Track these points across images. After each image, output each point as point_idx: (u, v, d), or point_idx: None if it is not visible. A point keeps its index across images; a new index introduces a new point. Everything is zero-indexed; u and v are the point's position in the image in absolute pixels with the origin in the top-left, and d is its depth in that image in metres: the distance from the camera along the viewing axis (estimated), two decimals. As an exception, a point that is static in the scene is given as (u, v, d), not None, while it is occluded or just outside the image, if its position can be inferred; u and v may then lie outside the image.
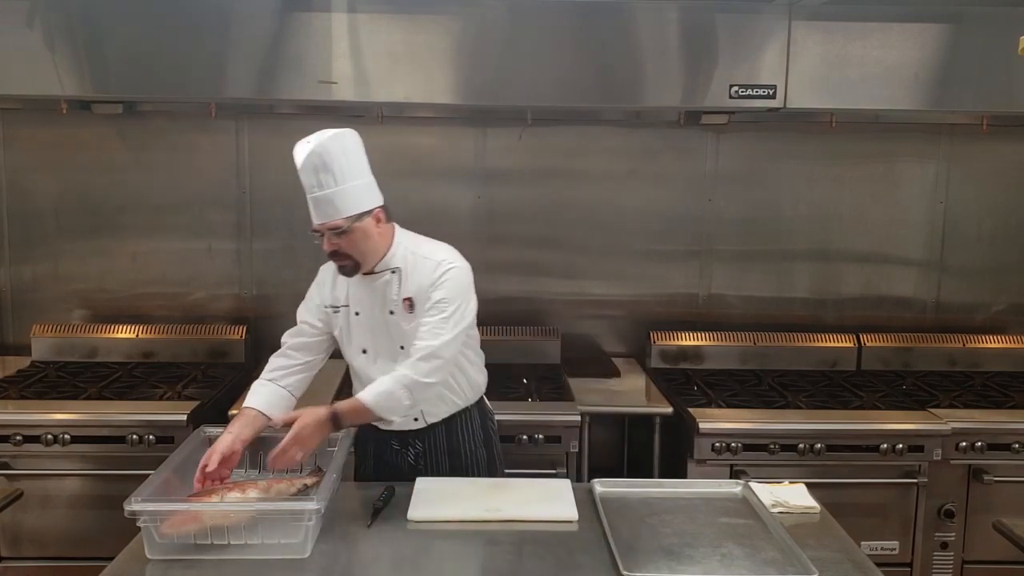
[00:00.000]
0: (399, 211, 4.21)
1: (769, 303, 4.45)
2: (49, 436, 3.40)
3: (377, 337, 2.82)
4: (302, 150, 2.63)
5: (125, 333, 4.25)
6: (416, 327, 2.71)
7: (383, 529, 2.48)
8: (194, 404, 3.54)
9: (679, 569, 2.25)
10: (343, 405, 2.65)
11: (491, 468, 2.98)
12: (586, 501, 2.65)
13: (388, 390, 2.62)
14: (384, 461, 2.94)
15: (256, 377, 3.86)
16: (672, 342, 4.34)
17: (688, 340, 4.34)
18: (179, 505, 2.33)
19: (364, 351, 2.86)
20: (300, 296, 4.30)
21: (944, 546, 3.61)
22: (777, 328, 4.39)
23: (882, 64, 3.47)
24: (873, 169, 4.39)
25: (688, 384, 4.05)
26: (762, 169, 4.37)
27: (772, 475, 3.39)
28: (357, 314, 2.83)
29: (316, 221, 2.69)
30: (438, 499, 2.63)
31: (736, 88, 3.39)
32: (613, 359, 4.30)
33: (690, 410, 3.59)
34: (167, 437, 3.41)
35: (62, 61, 3.49)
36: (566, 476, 3.53)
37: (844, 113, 3.99)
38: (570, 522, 2.54)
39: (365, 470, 3.00)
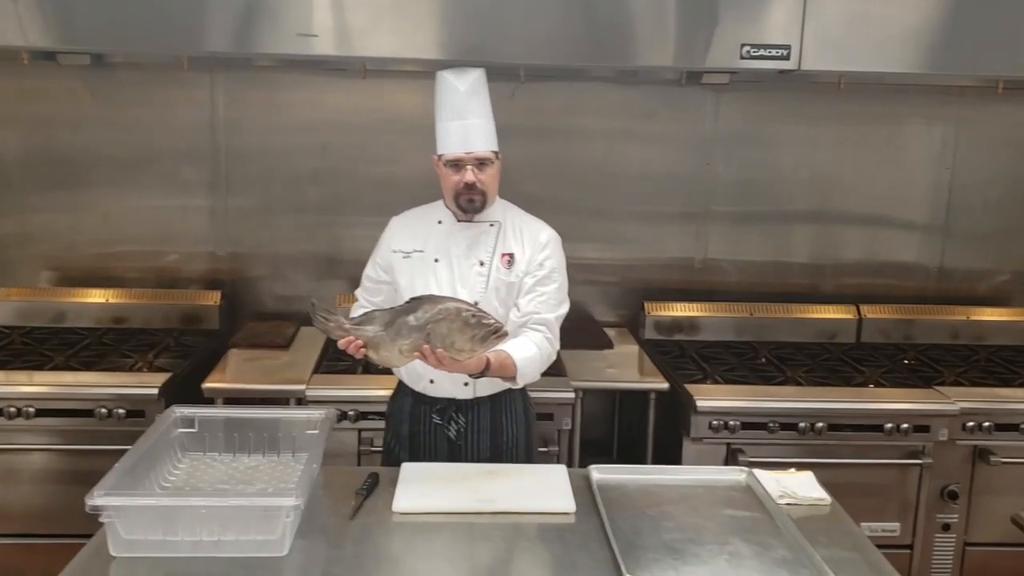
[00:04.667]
0: (391, 172, 4.07)
1: (766, 269, 4.30)
2: (12, 409, 3.22)
3: (453, 287, 2.73)
4: (461, 75, 2.73)
5: (94, 297, 4.05)
6: (505, 285, 2.72)
7: (367, 522, 2.32)
8: (166, 376, 3.36)
9: (684, 571, 2.10)
10: (494, 359, 2.55)
11: (529, 455, 2.88)
12: (582, 488, 2.50)
13: (533, 357, 2.64)
14: (419, 440, 2.82)
15: (231, 346, 3.76)
16: (666, 312, 4.18)
17: (683, 311, 4.19)
18: (148, 500, 2.15)
19: None
20: (277, 256, 4.20)
21: (946, 528, 3.51)
22: (774, 298, 4.25)
23: (903, 24, 3.25)
24: (878, 131, 4.21)
25: (683, 357, 3.90)
26: (763, 130, 4.19)
27: (770, 454, 3.31)
28: (436, 260, 2.76)
29: (464, 149, 2.70)
30: (426, 487, 2.46)
31: (748, 48, 3.16)
32: (605, 329, 4.15)
33: (687, 386, 3.45)
34: (137, 411, 3.24)
35: (24, 9, 3.23)
36: (557, 452, 3.41)
37: (859, 76, 3.79)
38: (567, 514, 2.38)
39: (398, 449, 2.85)
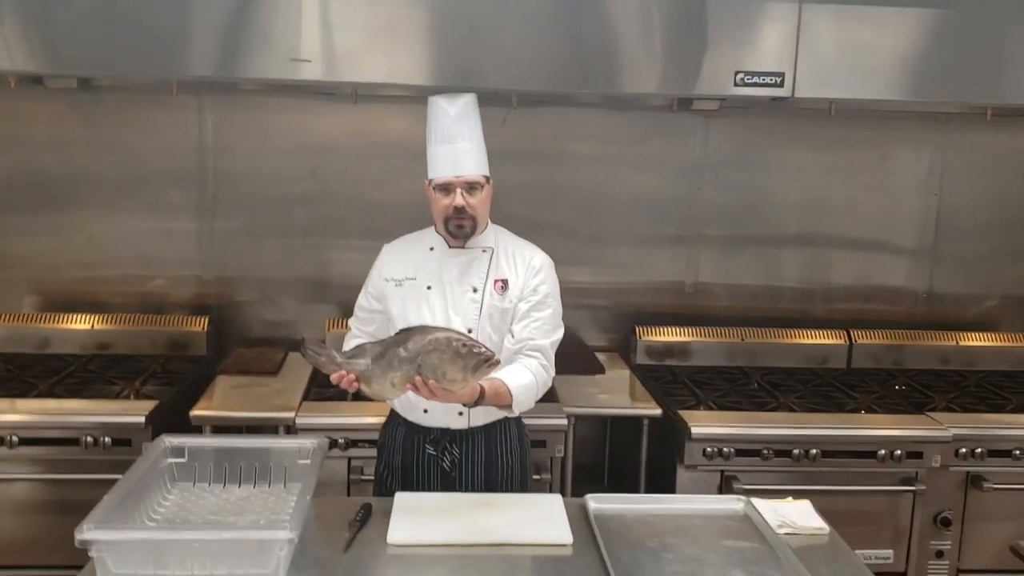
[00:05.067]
0: (380, 196, 4.04)
1: (757, 294, 4.30)
2: (-4, 437, 3.16)
3: (446, 314, 2.70)
4: (452, 100, 2.71)
5: (79, 323, 3.99)
6: (499, 311, 2.70)
7: (361, 555, 2.27)
8: (153, 404, 3.30)
9: (686, 605, 2.08)
10: (489, 387, 2.53)
11: (523, 486, 2.84)
12: (579, 518, 2.47)
13: (528, 384, 2.63)
14: (412, 471, 2.77)
15: (219, 372, 3.71)
16: (658, 337, 4.17)
17: (674, 336, 4.18)
18: (139, 534, 2.10)
19: None
20: (265, 281, 4.16)
21: (939, 555, 3.49)
22: (765, 323, 4.25)
23: (893, 52, 3.28)
24: (867, 157, 4.23)
25: (675, 382, 3.89)
26: (753, 156, 4.21)
27: (764, 482, 3.30)
28: (429, 288, 2.72)
29: (454, 173, 2.67)
30: (420, 518, 2.42)
31: (742, 75, 3.17)
32: (596, 354, 4.12)
33: (680, 412, 3.42)
34: (124, 440, 3.18)
35: (11, 33, 3.21)
36: (550, 480, 3.37)
37: (852, 103, 3.80)
38: (564, 545, 2.35)
39: (390, 480, 2.81)
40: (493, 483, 2.77)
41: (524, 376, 2.63)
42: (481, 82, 3.38)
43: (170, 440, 2.58)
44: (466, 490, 2.75)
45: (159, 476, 2.48)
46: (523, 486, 2.85)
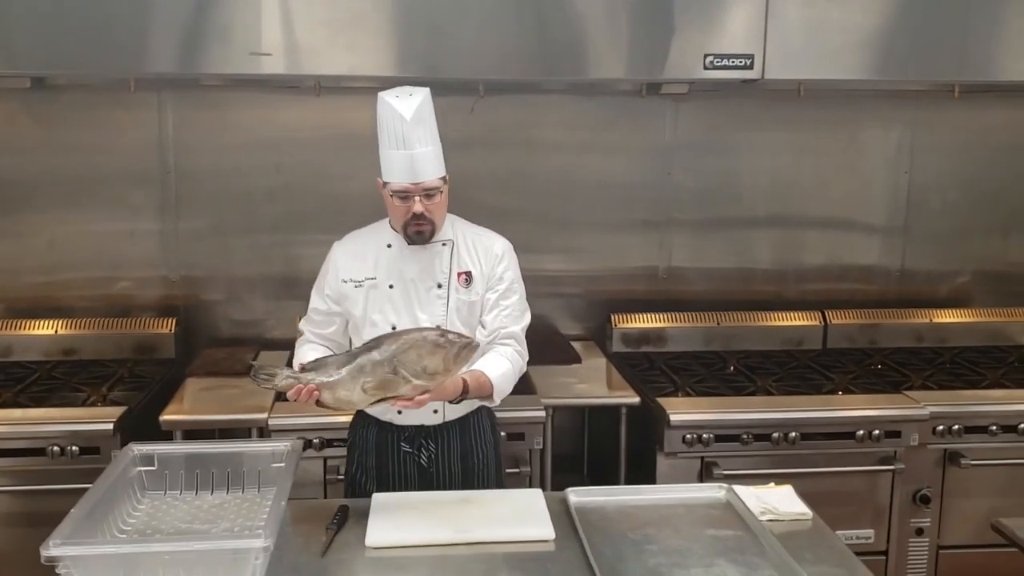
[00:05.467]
0: (347, 189, 3.97)
1: (731, 276, 4.28)
2: (-41, 450, 3.07)
3: (411, 311, 2.65)
4: (407, 103, 2.53)
5: (42, 329, 3.89)
6: (467, 304, 2.66)
7: (339, 558, 2.22)
8: (122, 410, 3.23)
9: (672, 597, 2.05)
10: (471, 379, 2.53)
11: (498, 473, 2.84)
12: (560, 513, 2.43)
13: (507, 372, 2.62)
14: (387, 470, 2.73)
15: (188, 375, 3.63)
16: (633, 324, 4.14)
17: (649, 322, 4.15)
18: (108, 548, 2.04)
19: (394, 327, 2.62)
20: (233, 279, 4.08)
21: (919, 532, 3.50)
22: (740, 306, 4.23)
23: (862, 30, 3.25)
24: (836, 137, 4.21)
25: (652, 369, 3.86)
26: (722, 139, 4.17)
27: (744, 466, 3.29)
28: (391, 287, 2.66)
29: (411, 180, 2.55)
30: (399, 519, 2.38)
31: (711, 58, 3.14)
32: (572, 343, 4.09)
33: (659, 400, 3.40)
34: (92, 448, 3.11)
35: (-42, 31, 3.12)
36: (530, 473, 3.34)
37: (821, 84, 3.78)
38: (546, 541, 2.31)
39: (364, 480, 2.76)
40: (470, 473, 2.76)
41: (502, 365, 2.63)
42: (446, 73, 3.34)
43: (139, 448, 2.52)
44: (445, 484, 2.72)
45: (128, 486, 2.42)
46: (498, 473, 2.85)
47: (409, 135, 2.53)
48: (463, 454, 2.75)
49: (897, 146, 4.24)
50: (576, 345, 4.06)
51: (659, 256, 4.25)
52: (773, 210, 4.25)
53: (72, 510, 2.13)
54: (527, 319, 2.77)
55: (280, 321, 4.04)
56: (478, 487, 2.74)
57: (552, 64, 3.37)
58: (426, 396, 2.35)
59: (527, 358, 2.75)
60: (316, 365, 2.39)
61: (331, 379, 2.35)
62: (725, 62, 3.16)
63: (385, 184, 2.61)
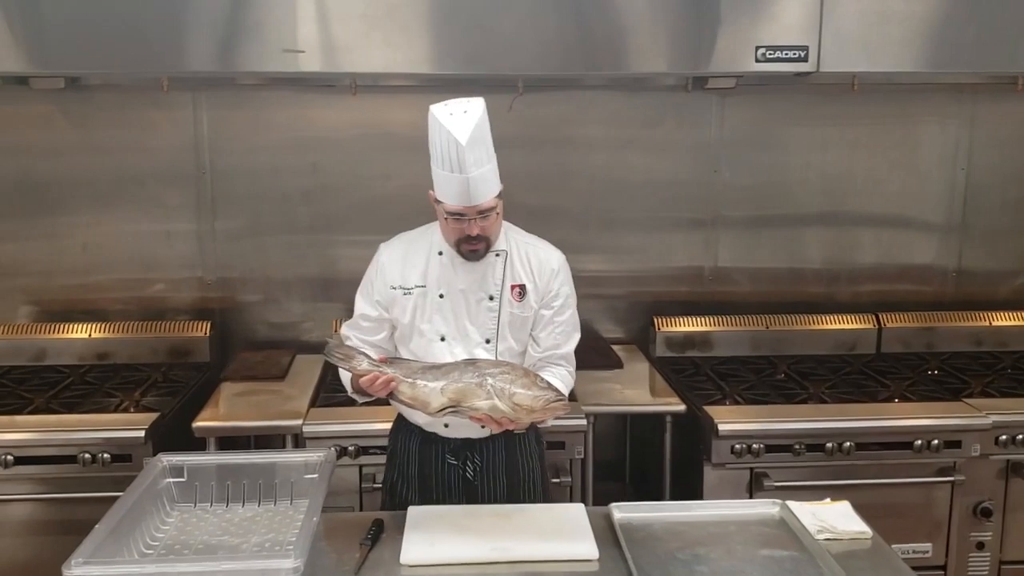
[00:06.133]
0: (384, 189, 3.89)
1: (780, 277, 4.13)
2: (-9, 457, 3.03)
3: (461, 323, 2.55)
4: (462, 124, 2.32)
5: (76, 332, 3.85)
6: (520, 319, 2.56)
7: (373, 577, 2.14)
8: (154, 416, 3.17)
9: (726, 627, 1.93)
10: None
11: (544, 486, 2.74)
12: (604, 529, 2.33)
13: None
14: (431, 482, 2.63)
15: (223, 379, 3.57)
16: (677, 328, 4.00)
17: (694, 325, 4.01)
18: (132, 568, 1.96)
19: (443, 338, 2.54)
20: (269, 281, 4.01)
21: (980, 546, 3.34)
22: (789, 308, 4.08)
23: (921, 20, 3.10)
24: (891, 132, 4.06)
25: (698, 375, 3.73)
26: (771, 134, 4.03)
27: (796, 478, 3.17)
28: (441, 296, 2.54)
29: (467, 203, 2.38)
30: (435, 535, 2.28)
31: (763, 50, 2.99)
32: (613, 346, 3.96)
33: (706, 408, 3.27)
34: (124, 455, 3.05)
35: (-6, 32, 3.08)
36: (571, 483, 3.23)
37: (876, 76, 3.62)
38: (589, 561, 2.20)
39: (405, 490, 2.66)
40: (516, 488, 2.66)
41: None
42: (485, 68, 3.25)
43: (168, 459, 2.45)
44: (490, 497, 2.63)
45: (156, 498, 2.35)
46: (545, 486, 2.76)
47: (465, 158, 2.34)
48: (509, 468, 2.66)
49: (955, 141, 4.07)
50: (618, 349, 3.94)
51: (705, 256, 4.11)
52: (824, 208, 4.09)
53: (97, 525, 2.07)
54: (578, 335, 2.68)
55: (317, 323, 3.97)
56: (524, 501, 2.64)
57: (593, 58, 3.26)
58: (507, 422, 2.30)
59: (575, 376, 2.68)
60: (395, 361, 2.38)
61: (414, 374, 2.32)
62: (778, 54, 3.00)
63: (438, 201, 2.45)
